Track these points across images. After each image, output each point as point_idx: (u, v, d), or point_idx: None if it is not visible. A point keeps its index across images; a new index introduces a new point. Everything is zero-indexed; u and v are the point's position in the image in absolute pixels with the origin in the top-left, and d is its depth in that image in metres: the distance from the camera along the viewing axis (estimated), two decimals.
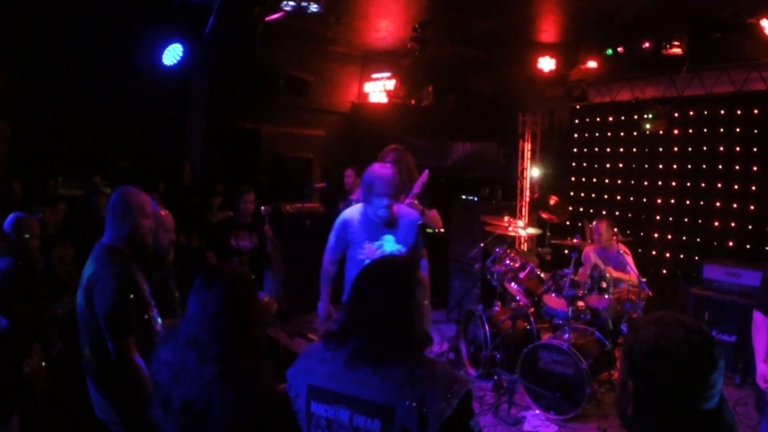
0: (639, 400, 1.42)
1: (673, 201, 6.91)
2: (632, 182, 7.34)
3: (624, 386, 1.45)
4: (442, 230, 4.72)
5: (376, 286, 1.78)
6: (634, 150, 7.32)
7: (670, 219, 6.91)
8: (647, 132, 6.75)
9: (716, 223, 6.50)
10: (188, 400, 1.83)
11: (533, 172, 8.31)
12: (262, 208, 5.65)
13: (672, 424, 1.38)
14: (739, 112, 6.35)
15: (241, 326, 1.90)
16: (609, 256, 5.68)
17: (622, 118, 7.41)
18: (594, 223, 5.91)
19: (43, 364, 3.39)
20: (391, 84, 8.48)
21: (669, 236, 6.87)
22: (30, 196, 5.68)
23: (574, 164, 8.05)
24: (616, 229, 5.71)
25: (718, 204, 6.50)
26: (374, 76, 8.66)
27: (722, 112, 6.49)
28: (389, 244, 3.78)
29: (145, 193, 2.90)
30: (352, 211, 3.91)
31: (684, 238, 6.78)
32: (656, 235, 6.71)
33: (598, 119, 7.76)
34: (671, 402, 1.37)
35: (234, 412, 1.79)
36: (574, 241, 5.76)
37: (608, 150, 7.64)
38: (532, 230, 6.68)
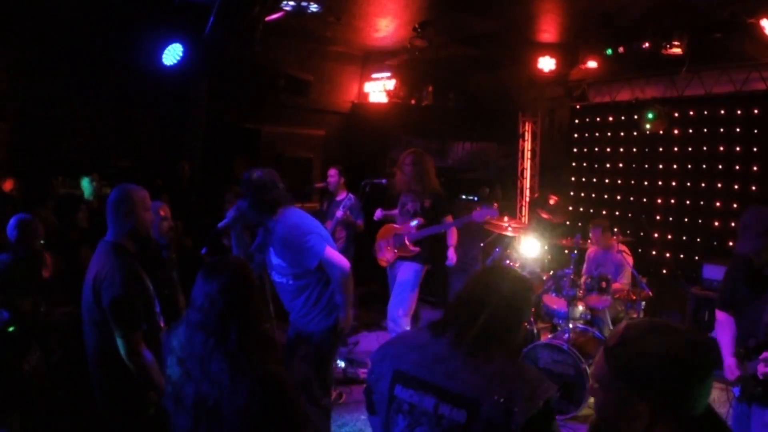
0: (656, 420, 1.28)
1: (673, 201, 6.90)
2: (632, 182, 7.33)
3: (630, 416, 1.29)
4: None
5: (498, 286, 1.79)
6: (634, 150, 7.32)
7: (670, 219, 6.90)
8: (647, 132, 6.75)
9: (716, 223, 6.49)
10: (200, 396, 1.83)
11: (533, 172, 8.31)
12: None
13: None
14: (739, 112, 6.35)
15: (244, 316, 1.89)
16: (608, 258, 5.68)
17: (622, 118, 7.40)
18: (590, 227, 5.92)
19: (42, 363, 3.39)
20: (391, 84, 8.48)
21: (669, 236, 6.86)
22: (28, 195, 5.67)
23: (574, 164, 8.04)
24: (616, 229, 5.71)
25: (718, 204, 6.49)
26: (374, 76, 8.66)
27: (722, 112, 6.48)
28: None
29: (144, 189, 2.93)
30: None
31: (684, 238, 6.77)
32: (656, 235, 6.70)
33: (598, 119, 7.76)
34: (693, 409, 1.30)
35: (245, 400, 1.77)
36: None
37: (608, 150, 7.63)
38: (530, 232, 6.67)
